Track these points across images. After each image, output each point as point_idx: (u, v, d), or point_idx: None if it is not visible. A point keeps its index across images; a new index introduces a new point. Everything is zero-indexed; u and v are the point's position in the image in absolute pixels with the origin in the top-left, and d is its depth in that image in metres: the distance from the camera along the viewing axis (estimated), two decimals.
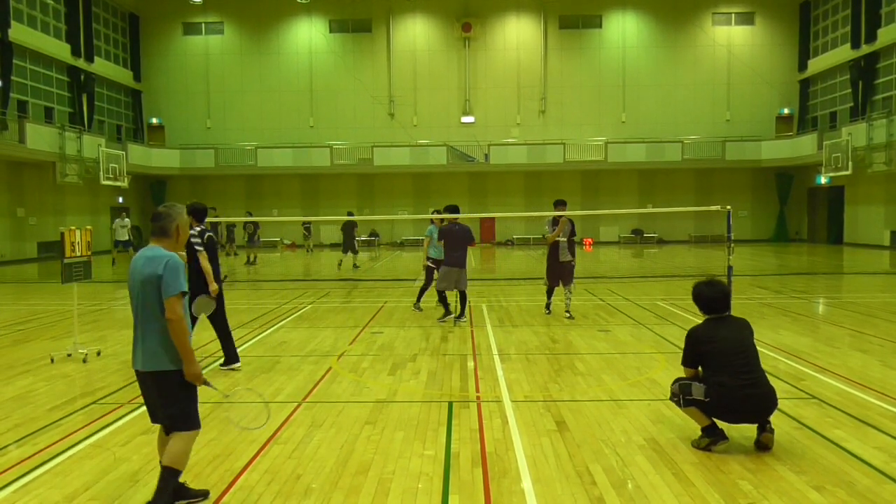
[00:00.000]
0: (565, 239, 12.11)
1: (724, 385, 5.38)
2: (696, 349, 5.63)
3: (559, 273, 12.24)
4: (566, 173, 38.68)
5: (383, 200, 39.59)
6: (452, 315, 12.16)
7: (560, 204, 12.47)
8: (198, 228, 8.38)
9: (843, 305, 14.05)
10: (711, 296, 5.72)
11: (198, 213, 8.48)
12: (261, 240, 29.20)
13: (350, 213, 25.72)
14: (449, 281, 11.92)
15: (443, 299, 12.28)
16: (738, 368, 5.42)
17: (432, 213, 14.96)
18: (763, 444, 5.45)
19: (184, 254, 8.68)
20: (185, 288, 4.43)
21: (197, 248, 8.27)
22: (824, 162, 32.78)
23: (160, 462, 4.47)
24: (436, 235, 12.90)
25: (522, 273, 21.99)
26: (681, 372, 7.82)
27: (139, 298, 4.47)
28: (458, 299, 12.25)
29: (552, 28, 39.83)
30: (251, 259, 27.29)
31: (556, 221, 12.18)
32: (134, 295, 4.53)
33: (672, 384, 5.73)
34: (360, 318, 12.82)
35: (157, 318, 4.40)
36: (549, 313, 12.67)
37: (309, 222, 33.41)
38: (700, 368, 5.65)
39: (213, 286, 8.34)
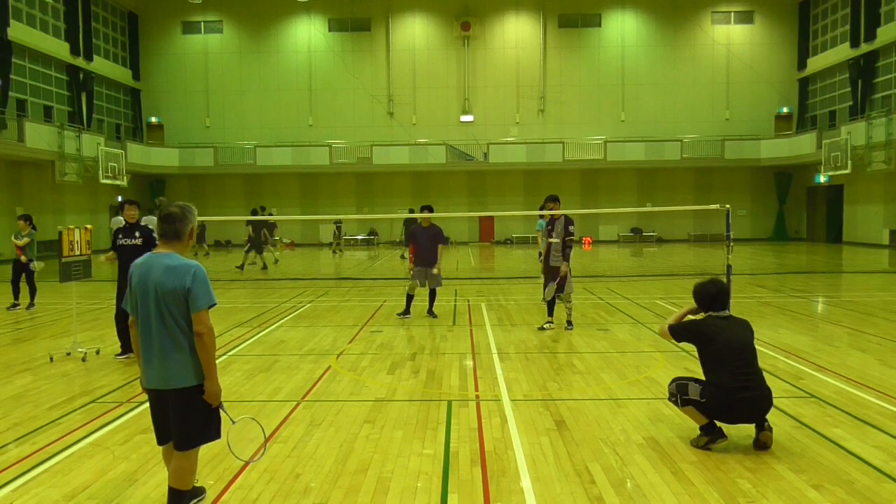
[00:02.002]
0: (558, 240, 10.78)
1: (722, 386, 5.38)
2: (692, 333, 5.69)
3: (551, 277, 10.94)
4: (565, 172, 38.69)
5: (382, 199, 39.60)
6: (409, 315, 12.35)
7: (550, 200, 11.07)
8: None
9: (842, 304, 14.06)
10: (713, 291, 5.72)
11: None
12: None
13: (411, 210, 26.62)
14: (421, 278, 12.23)
15: (409, 298, 12.47)
16: (737, 370, 5.41)
17: (542, 210, 14.54)
18: (762, 443, 5.45)
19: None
20: (215, 300, 4.17)
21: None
22: (823, 161, 32.80)
23: (169, 484, 4.31)
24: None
25: (521, 272, 21.99)
26: (678, 371, 7.82)
27: (156, 311, 4.11)
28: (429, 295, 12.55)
29: (551, 27, 39.82)
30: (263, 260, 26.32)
31: (553, 222, 10.98)
32: (146, 305, 4.15)
33: (669, 384, 5.74)
34: (360, 316, 12.81)
35: (183, 331, 4.11)
36: (548, 324, 11.22)
37: (340, 220, 33.03)
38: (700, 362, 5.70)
39: None
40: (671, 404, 5.74)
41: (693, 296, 5.86)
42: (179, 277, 4.09)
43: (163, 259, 4.18)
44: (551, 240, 10.93)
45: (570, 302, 11.12)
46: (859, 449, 5.46)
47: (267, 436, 5.43)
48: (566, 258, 10.78)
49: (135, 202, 9.42)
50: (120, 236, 9.10)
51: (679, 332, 5.79)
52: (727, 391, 5.35)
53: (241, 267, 22.64)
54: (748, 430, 5.64)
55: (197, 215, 4.42)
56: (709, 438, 5.50)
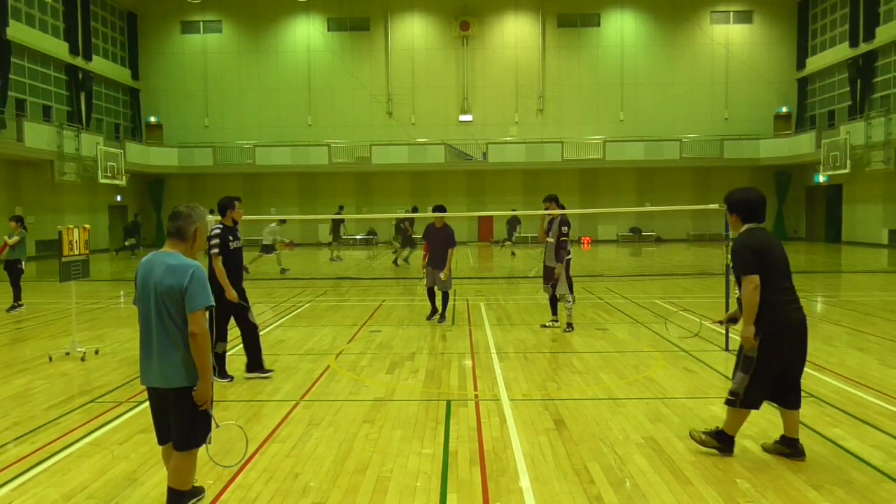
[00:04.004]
0: (553, 240, 10.72)
1: (783, 308, 5.01)
2: (756, 256, 5.01)
3: (547, 277, 11.01)
4: (564, 172, 38.68)
5: (381, 199, 39.59)
6: (437, 315, 12.07)
7: (548, 200, 10.99)
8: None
9: (841, 304, 14.06)
10: (755, 198, 5.22)
11: (221, 208, 8.15)
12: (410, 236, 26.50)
13: (514, 210, 27.21)
14: (430, 279, 11.94)
15: (430, 297, 12.20)
16: (790, 284, 5.10)
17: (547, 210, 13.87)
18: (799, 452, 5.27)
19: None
20: (212, 301, 4.19)
21: (212, 250, 7.77)
22: (822, 160, 32.81)
23: (168, 484, 4.33)
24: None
25: (520, 272, 21.99)
26: (678, 371, 7.80)
27: (155, 309, 4.15)
28: (441, 299, 12.11)
29: (550, 26, 39.81)
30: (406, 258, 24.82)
31: (551, 221, 10.89)
32: (147, 304, 4.19)
33: (734, 374, 5.22)
34: (359, 316, 12.80)
35: (181, 331, 4.13)
36: (553, 322, 11.31)
37: (405, 220, 31.88)
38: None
39: (230, 293, 7.71)
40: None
41: (733, 205, 5.31)
42: (178, 276, 4.11)
43: (165, 258, 4.21)
44: (549, 239, 10.86)
45: (569, 303, 10.93)
46: (858, 448, 5.46)
47: (248, 440, 5.30)
48: (559, 259, 10.68)
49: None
50: (231, 238, 7.95)
51: (752, 265, 5.01)
52: (782, 311, 5.01)
53: (406, 261, 24.14)
54: (748, 429, 5.64)
55: (206, 217, 4.43)
56: (718, 446, 5.29)
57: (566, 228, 10.66)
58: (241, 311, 7.92)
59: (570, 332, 10.84)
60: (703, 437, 5.39)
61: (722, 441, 5.31)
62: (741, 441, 5.57)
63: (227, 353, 8.25)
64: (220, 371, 7.88)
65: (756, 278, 4.97)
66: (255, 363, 8.10)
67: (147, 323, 4.22)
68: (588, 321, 11.91)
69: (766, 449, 5.42)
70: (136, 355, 9.11)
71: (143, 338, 4.27)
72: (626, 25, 39.75)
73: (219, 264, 7.74)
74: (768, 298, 5.00)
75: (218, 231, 7.87)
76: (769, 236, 5.19)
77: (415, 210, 26.82)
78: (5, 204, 28.57)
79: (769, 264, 5.03)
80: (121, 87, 38.58)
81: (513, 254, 29.45)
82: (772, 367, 5.07)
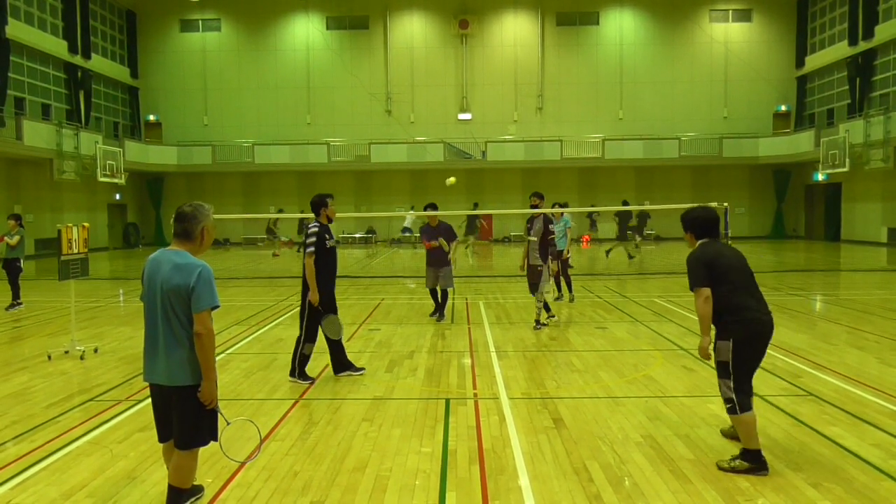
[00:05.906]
0: (536, 239, 10.83)
1: (749, 308, 5.02)
2: (707, 268, 5.05)
3: (529, 278, 11.14)
4: (563, 170, 38.68)
5: (380, 197, 39.57)
6: (437, 315, 12.06)
7: (537, 197, 11.33)
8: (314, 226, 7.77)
9: (841, 302, 14.07)
10: (709, 217, 5.31)
11: (315, 206, 7.91)
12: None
13: (625, 202, 27.25)
14: (431, 279, 11.88)
15: (433, 296, 12.19)
16: (752, 288, 5.12)
17: (555, 206, 13.44)
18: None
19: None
20: (218, 302, 4.19)
21: (308, 248, 7.63)
22: (822, 159, 32.83)
23: (169, 482, 4.35)
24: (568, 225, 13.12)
25: (519, 270, 21.94)
26: (676, 369, 7.81)
27: (161, 307, 4.17)
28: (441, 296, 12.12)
29: (549, 25, 39.79)
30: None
31: (532, 220, 11.10)
32: (153, 301, 4.22)
33: (720, 386, 5.13)
34: (358, 314, 12.80)
35: (185, 329, 4.15)
36: (550, 318, 11.55)
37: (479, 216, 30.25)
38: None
39: (314, 296, 7.58)
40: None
41: (687, 223, 5.38)
42: (185, 276, 4.13)
43: (172, 256, 4.23)
44: (530, 238, 10.95)
45: (539, 302, 11.05)
46: (857, 447, 5.46)
47: (262, 436, 5.43)
48: (544, 258, 10.80)
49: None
50: (327, 237, 7.79)
51: (700, 278, 5.04)
52: (754, 311, 5.02)
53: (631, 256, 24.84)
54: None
55: (211, 214, 4.41)
56: (751, 467, 4.96)
57: (552, 226, 10.90)
58: (320, 317, 7.72)
59: (538, 328, 10.88)
60: (732, 463, 5.04)
61: (750, 459, 4.99)
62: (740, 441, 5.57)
63: (312, 356, 7.99)
64: (300, 372, 7.77)
65: (706, 291, 4.99)
66: (340, 364, 8.02)
67: (153, 320, 4.24)
68: (587, 319, 11.92)
69: (723, 433, 5.55)
70: (135, 353, 9.13)
71: (148, 334, 4.29)
72: (625, 24, 39.72)
73: (310, 263, 7.56)
74: (731, 301, 5.00)
75: (316, 229, 7.71)
76: (723, 247, 5.25)
77: (475, 206, 28.08)
78: (4, 202, 28.52)
79: (723, 269, 5.05)
80: (120, 86, 38.54)
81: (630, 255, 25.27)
82: (748, 364, 5.05)
